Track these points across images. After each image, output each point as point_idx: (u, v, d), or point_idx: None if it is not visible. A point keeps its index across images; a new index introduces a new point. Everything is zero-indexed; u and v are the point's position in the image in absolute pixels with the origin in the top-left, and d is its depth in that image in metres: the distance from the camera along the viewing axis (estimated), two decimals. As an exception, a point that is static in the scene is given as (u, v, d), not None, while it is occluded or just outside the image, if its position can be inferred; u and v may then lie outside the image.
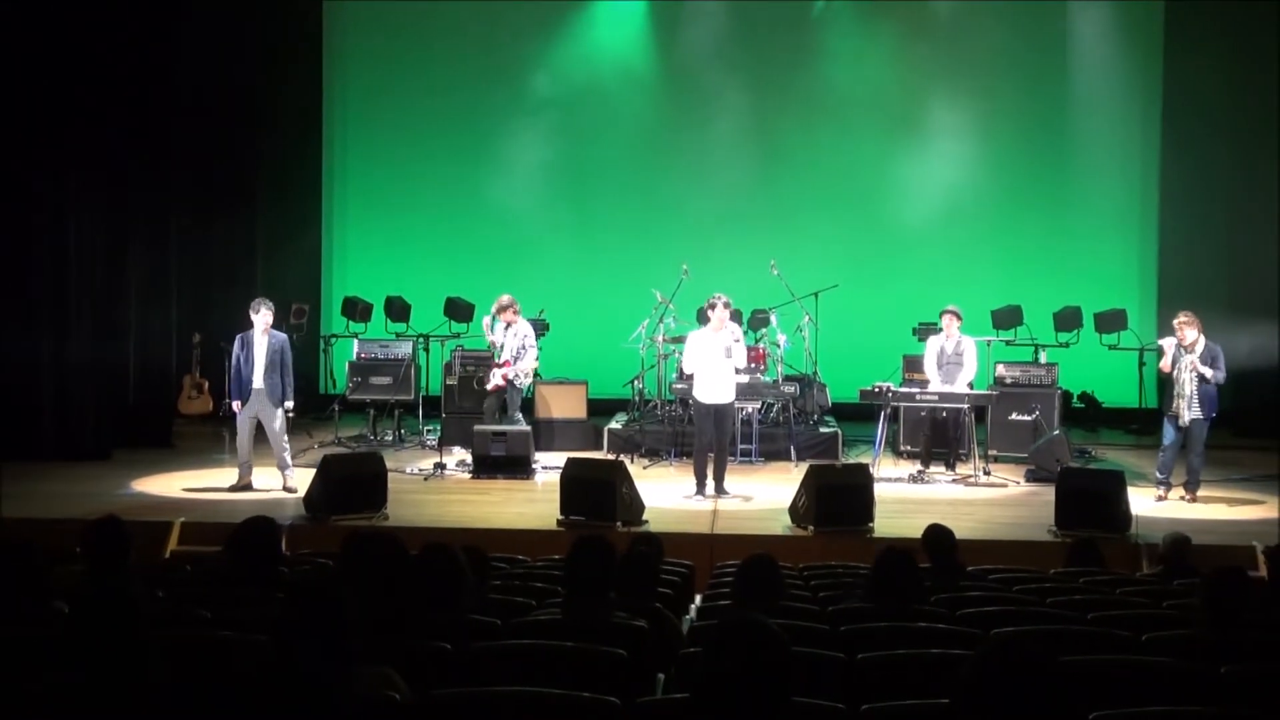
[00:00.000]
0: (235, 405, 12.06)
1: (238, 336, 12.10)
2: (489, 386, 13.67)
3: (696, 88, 18.01)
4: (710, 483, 11.92)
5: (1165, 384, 12.27)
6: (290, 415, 12.33)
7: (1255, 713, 4.63)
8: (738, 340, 11.94)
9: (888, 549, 6.31)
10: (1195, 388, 11.77)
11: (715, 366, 11.83)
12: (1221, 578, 5.67)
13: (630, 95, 18.15)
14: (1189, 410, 11.79)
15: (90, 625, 3.88)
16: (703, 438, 12.07)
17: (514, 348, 13.57)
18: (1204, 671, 4.89)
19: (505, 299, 13.68)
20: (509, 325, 13.62)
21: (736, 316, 15.18)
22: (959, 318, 13.35)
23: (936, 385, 13.27)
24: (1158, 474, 12.23)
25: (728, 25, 17.94)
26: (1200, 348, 11.78)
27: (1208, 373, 11.73)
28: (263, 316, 11.97)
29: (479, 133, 18.08)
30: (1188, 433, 11.90)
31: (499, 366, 13.58)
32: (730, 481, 12.08)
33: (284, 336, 12.29)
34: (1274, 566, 7.42)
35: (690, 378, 12.27)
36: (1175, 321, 11.94)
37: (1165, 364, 11.92)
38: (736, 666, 3.40)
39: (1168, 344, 11.93)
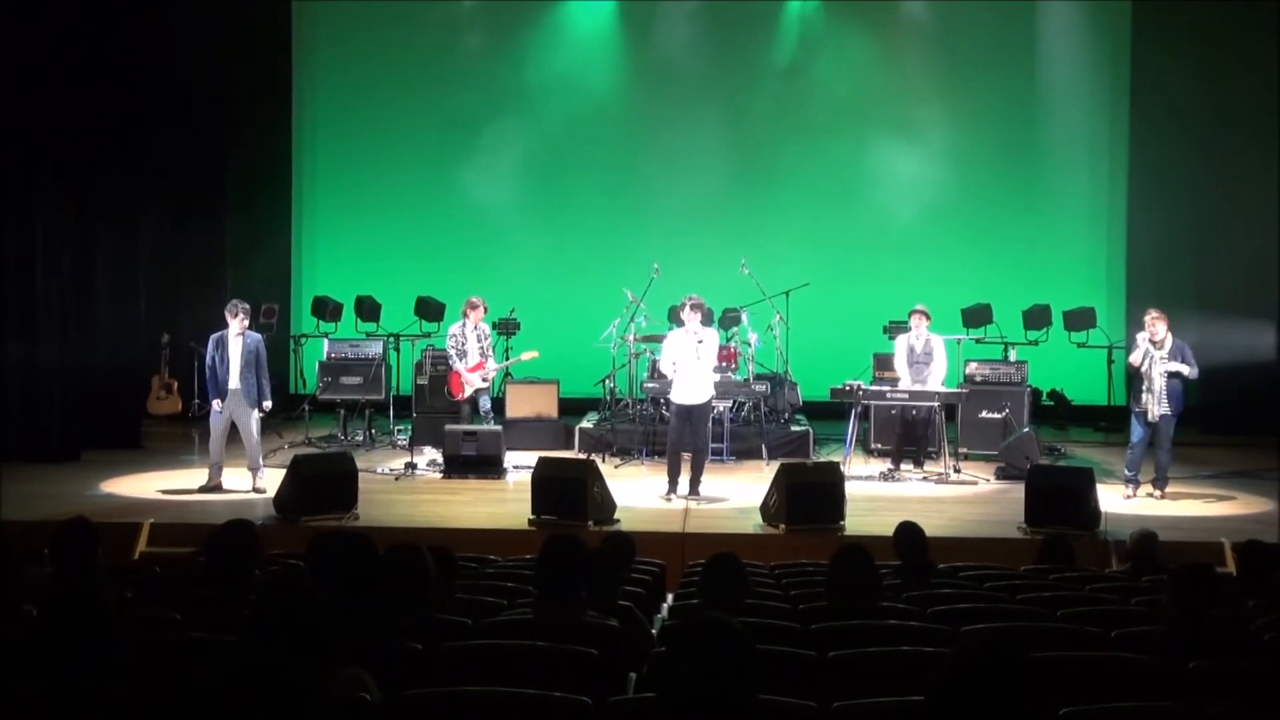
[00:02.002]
0: (215, 404, 11.95)
1: (212, 337, 12.01)
2: (466, 395, 13.60)
3: (669, 86, 18.02)
4: (684, 483, 11.87)
5: (1133, 381, 12.33)
6: (265, 413, 12.27)
7: (1223, 708, 4.66)
8: (701, 341, 11.83)
9: (844, 547, 6.38)
10: (1164, 384, 11.84)
11: (686, 367, 11.82)
12: (1189, 574, 5.69)
13: (601, 94, 18.14)
14: (1158, 406, 11.84)
15: (59, 627, 3.85)
16: (673, 437, 12.05)
17: (481, 349, 13.58)
18: (1172, 667, 4.92)
19: (477, 299, 13.71)
20: (475, 326, 13.63)
21: (708, 316, 15.24)
22: (927, 317, 13.38)
23: (907, 384, 13.31)
24: (1126, 471, 12.29)
25: (701, 24, 17.95)
26: (1169, 345, 11.85)
27: (1183, 369, 11.79)
28: (239, 320, 11.91)
29: (450, 132, 18.05)
30: (1156, 429, 11.95)
31: (473, 370, 13.54)
32: (702, 480, 11.98)
33: (258, 337, 12.22)
34: (1242, 562, 7.47)
35: (663, 377, 12.23)
36: (1146, 317, 12.00)
37: (1135, 358, 11.96)
38: (702, 666, 3.39)
39: (1142, 339, 11.98)
